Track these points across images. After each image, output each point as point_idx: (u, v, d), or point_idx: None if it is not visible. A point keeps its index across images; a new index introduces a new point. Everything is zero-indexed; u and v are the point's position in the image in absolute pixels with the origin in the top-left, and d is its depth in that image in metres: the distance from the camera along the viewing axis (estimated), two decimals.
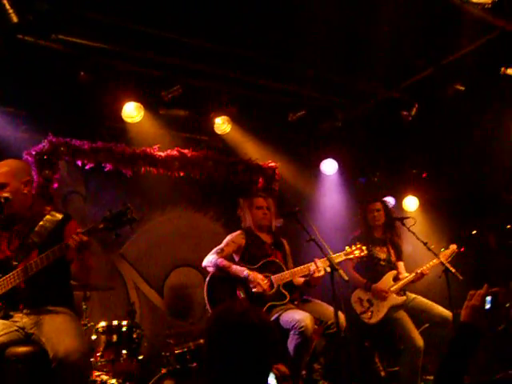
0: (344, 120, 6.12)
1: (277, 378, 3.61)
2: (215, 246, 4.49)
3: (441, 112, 5.89)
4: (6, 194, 3.01)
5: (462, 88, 5.35)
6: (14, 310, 3.17)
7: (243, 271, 4.27)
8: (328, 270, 3.66)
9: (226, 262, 4.34)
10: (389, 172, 6.87)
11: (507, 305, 2.03)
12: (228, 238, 4.56)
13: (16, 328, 3.10)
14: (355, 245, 4.43)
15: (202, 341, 4.09)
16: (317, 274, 4.19)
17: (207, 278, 4.38)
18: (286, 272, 4.38)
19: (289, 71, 5.20)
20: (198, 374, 3.77)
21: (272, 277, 4.32)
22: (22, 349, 3.04)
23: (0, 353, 2.97)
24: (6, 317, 3.13)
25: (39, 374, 3.00)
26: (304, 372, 4.14)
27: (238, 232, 4.60)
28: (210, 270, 4.39)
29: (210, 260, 4.39)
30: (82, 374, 2.98)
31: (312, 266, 4.24)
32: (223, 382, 1.77)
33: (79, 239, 2.94)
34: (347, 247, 4.44)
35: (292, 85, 5.48)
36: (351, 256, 4.39)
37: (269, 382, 1.84)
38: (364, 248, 4.43)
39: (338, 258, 4.33)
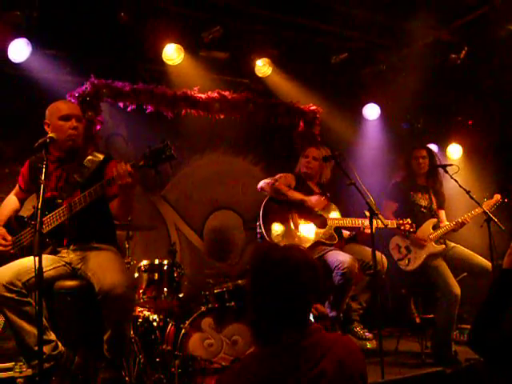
0: (388, 63, 5.92)
1: (315, 317, 3.68)
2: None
3: (491, 55, 5.62)
4: (51, 134, 3.07)
5: None
6: (61, 246, 3.29)
7: (301, 195, 4.37)
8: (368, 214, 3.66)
9: (284, 186, 4.42)
10: (433, 118, 6.67)
11: None
12: (280, 174, 4.60)
13: (63, 263, 3.23)
14: (406, 219, 4.43)
15: (240, 281, 4.19)
16: (368, 230, 4.19)
17: (264, 201, 4.47)
18: (342, 218, 4.47)
19: (332, 11, 5.01)
20: (235, 312, 3.87)
21: (328, 216, 4.41)
22: (69, 282, 3.19)
23: (49, 286, 3.11)
24: (54, 252, 3.26)
25: (86, 306, 3.15)
26: (341, 314, 4.23)
27: (290, 174, 4.65)
28: (266, 192, 4.47)
29: (266, 182, 4.47)
30: (127, 307, 3.10)
31: (366, 222, 4.24)
32: (265, 319, 1.79)
33: (124, 168, 2.91)
34: (398, 219, 4.45)
35: (335, 26, 5.30)
36: (402, 227, 4.40)
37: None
38: (414, 225, 4.43)
39: (391, 224, 4.36)
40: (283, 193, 4.38)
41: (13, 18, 4.43)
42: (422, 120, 6.72)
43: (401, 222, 4.43)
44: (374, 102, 6.38)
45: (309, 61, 5.68)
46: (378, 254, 3.94)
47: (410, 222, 4.42)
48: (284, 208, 4.41)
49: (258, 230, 4.45)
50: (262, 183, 4.50)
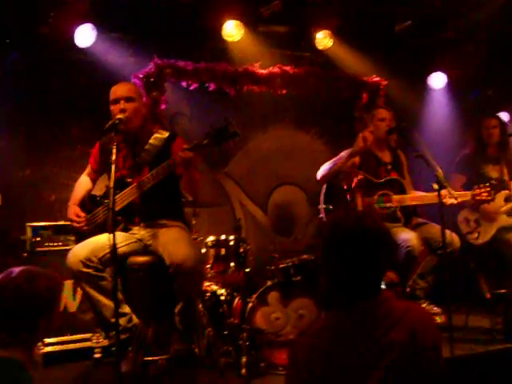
0: (455, 29, 5.67)
1: (386, 284, 3.65)
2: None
3: None
4: (120, 116, 3.17)
5: None
6: (132, 223, 3.42)
7: (345, 152, 4.20)
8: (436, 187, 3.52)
9: (334, 159, 4.26)
10: (504, 84, 6.35)
11: None
12: (343, 153, 4.37)
13: (135, 239, 3.37)
14: (485, 186, 4.12)
15: (305, 256, 4.21)
16: (448, 202, 3.88)
17: (323, 188, 4.37)
18: (409, 196, 4.24)
19: None
20: (301, 286, 3.90)
21: (393, 196, 4.21)
22: (141, 258, 3.32)
23: (123, 261, 3.25)
24: (126, 229, 3.40)
25: (157, 280, 3.28)
26: (408, 289, 4.16)
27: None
28: (324, 179, 4.32)
29: (322, 174, 4.32)
30: (197, 279, 3.22)
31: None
32: (338, 288, 1.79)
33: (184, 155, 3.06)
34: (476, 187, 4.15)
35: None
36: (478, 197, 4.11)
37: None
38: (492, 192, 4.13)
39: (464, 196, 4.12)
40: (334, 170, 4.21)
41: (78, 4, 4.57)
42: (492, 87, 6.41)
43: (477, 191, 4.12)
44: (440, 71, 6.15)
45: (371, 30, 5.51)
46: (449, 232, 3.73)
47: (488, 188, 4.09)
48: (345, 195, 4.25)
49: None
50: (318, 175, 4.33)
